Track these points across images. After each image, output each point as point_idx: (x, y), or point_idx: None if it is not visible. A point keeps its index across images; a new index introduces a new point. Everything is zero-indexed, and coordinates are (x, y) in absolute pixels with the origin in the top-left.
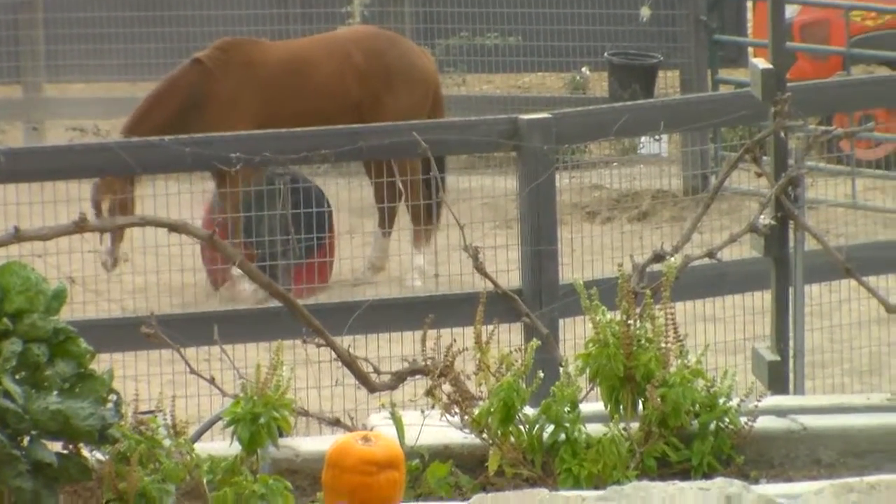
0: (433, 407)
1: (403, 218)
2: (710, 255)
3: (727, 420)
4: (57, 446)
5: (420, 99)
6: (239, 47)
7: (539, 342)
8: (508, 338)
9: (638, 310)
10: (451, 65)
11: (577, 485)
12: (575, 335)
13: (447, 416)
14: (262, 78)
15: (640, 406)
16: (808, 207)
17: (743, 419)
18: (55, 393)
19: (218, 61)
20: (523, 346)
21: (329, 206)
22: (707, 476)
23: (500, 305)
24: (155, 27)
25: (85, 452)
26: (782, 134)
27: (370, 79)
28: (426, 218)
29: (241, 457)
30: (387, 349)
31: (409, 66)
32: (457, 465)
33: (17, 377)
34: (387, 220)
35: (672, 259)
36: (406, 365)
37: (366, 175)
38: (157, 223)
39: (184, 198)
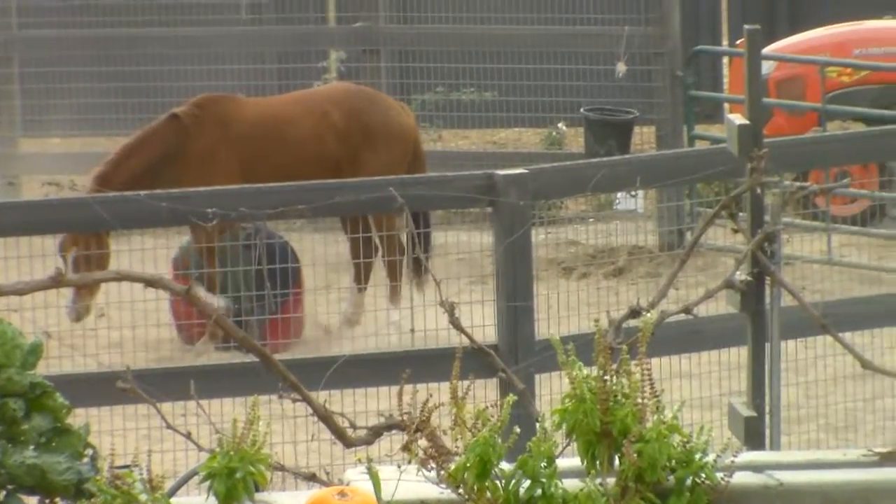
0: (409, 462)
1: (379, 273)
2: (687, 310)
3: (703, 475)
4: (33, 501)
5: (399, 156)
6: (216, 104)
7: (515, 397)
8: (484, 393)
9: (614, 365)
10: (427, 120)
11: None
12: (551, 391)
13: (423, 470)
14: (238, 135)
15: (617, 461)
16: (784, 263)
17: (719, 475)
18: (32, 447)
19: (194, 117)
20: (499, 402)
21: (297, 261)
22: None
23: (476, 361)
24: (132, 82)
25: None
26: (758, 190)
27: (349, 137)
28: (415, 272)
29: None
30: (363, 404)
31: (388, 124)
32: None
33: None
34: (362, 276)
35: (648, 315)
36: (382, 420)
37: (342, 230)
38: (134, 278)
39: (158, 253)
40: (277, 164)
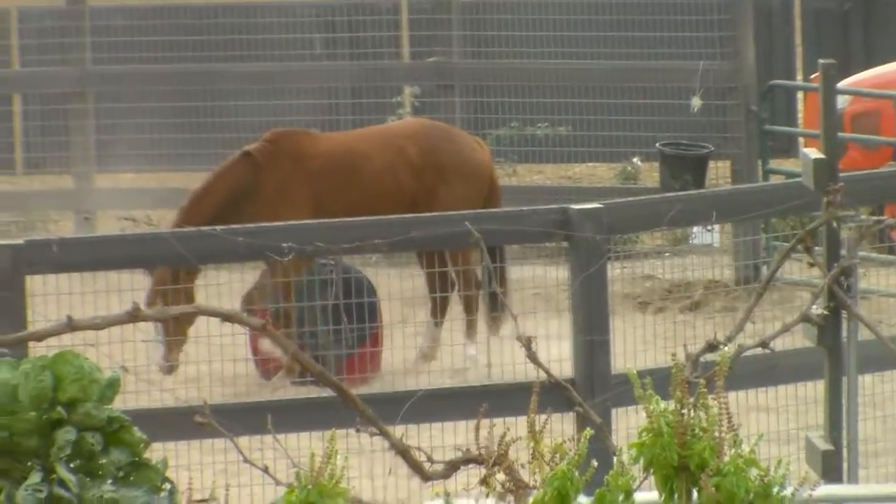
0: (487, 496)
1: (455, 308)
2: (763, 344)
3: None
4: None
5: (474, 192)
6: (288, 138)
7: (592, 431)
8: (561, 427)
9: (691, 399)
10: (502, 155)
11: None
12: (627, 425)
13: None
14: (312, 169)
15: (695, 495)
16: (860, 297)
17: None
18: (109, 481)
19: (266, 153)
20: (576, 436)
21: (376, 295)
22: None
23: (553, 395)
24: (205, 117)
25: None
26: (834, 224)
27: (423, 173)
28: (490, 308)
29: None
30: (440, 438)
31: (463, 160)
32: None
33: (71, 466)
34: (439, 310)
35: (725, 349)
36: (459, 454)
37: (417, 265)
38: (211, 313)
39: (234, 287)
40: (352, 199)
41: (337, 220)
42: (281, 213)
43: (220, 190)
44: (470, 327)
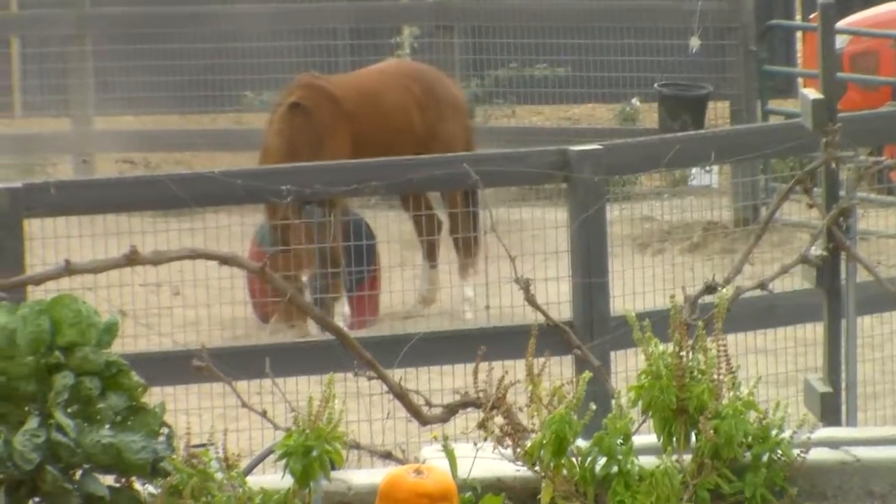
0: (485, 439)
1: (453, 250)
2: (762, 286)
3: (780, 452)
4: (109, 480)
5: (464, 129)
6: (318, 82)
7: (591, 374)
8: (560, 370)
9: (690, 342)
10: (501, 96)
11: None
12: (626, 367)
13: (499, 448)
14: (347, 111)
15: (693, 438)
16: (859, 238)
17: (796, 451)
18: (107, 426)
19: (313, 100)
20: (575, 379)
21: (374, 238)
22: None
23: (552, 338)
24: (205, 59)
25: (137, 486)
26: (833, 165)
27: (427, 111)
28: (466, 249)
29: (293, 490)
30: (438, 382)
31: (453, 97)
32: (509, 497)
33: (69, 410)
34: (431, 253)
35: (724, 290)
36: (458, 397)
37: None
38: (208, 256)
39: (233, 230)
40: (377, 139)
41: (335, 162)
42: (333, 155)
43: (298, 148)
44: (464, 269)
